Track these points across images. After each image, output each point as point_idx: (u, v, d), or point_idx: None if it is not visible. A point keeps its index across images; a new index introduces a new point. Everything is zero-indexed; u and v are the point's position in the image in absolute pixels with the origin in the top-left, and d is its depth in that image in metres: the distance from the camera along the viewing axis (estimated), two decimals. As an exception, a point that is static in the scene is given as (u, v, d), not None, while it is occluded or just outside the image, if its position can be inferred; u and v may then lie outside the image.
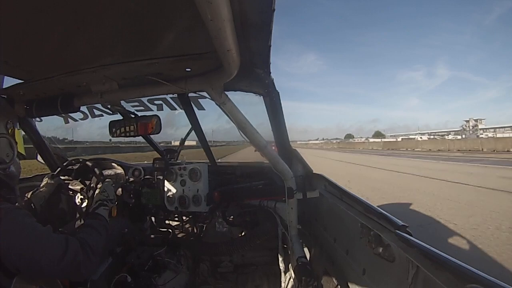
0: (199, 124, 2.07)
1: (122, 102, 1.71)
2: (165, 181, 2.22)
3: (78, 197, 1.94)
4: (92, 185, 1.87)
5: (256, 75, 1.44)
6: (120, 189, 2.18)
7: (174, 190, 2.18)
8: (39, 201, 1.63)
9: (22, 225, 1.04)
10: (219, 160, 2.70)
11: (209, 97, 1.43)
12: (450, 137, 68.09)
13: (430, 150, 32.93)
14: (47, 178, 1.82)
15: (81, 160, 2.15)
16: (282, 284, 1.97)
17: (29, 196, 1.63)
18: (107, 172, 2.37)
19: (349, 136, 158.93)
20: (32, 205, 1.59)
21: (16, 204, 1.32)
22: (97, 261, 1.22)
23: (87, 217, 1.48)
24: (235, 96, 1.48)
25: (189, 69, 1.32)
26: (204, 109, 1.75)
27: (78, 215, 1.92)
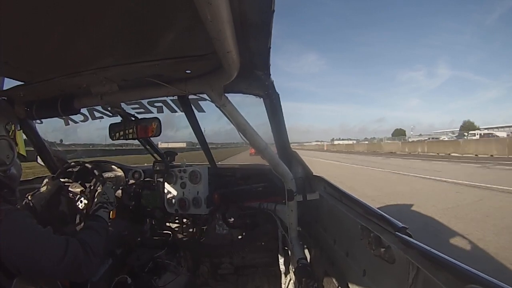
0: (199, 126, 2.08)
1: (123, 105, 1.71)
2: (165, 183, 2.22)
3: (78, 199, 1.94)
4: (92, 187, 1.87)
5: (256, 77, 1.44)
6: (120, 191, 2.18)
7: (174, 193, 2.18)
8: (39, 201, 1.63)
9: (23, 226, 1.05)
10: (219, 163, 2.70)
11: (209, 99, 1.43)
12: None
13: None
14: (47, 180, 1.82)
15: (81, 162, 2.15)
16: (283, 286, 1.96)
17: (29, 198, 1.63)
18: (107, 174, 2.37)
19: (400, 132, 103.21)
20: (32, 206, 1.59)
21: (17, 205, 1.33)
22: (97, 262, 1.23)
23: (87, 219, 1.48)
24: (234, 98, 1.49)
25: (189, 71, 1.32)
26: (204, 111, 1.75)
27: (78, 217, 1.92)
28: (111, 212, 1.63)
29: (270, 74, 1.42)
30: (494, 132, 50.87)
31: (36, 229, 1.07)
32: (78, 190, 1.97)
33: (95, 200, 1.60)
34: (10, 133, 1.22)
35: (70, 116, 1.86)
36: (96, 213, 1.47)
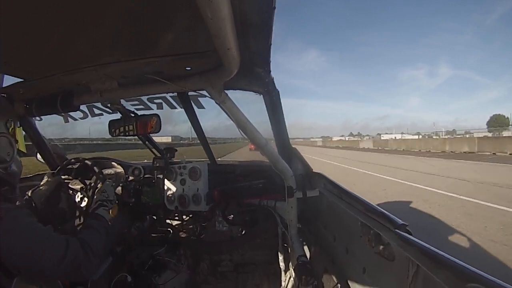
0: (199, 122, 2.07)
1: (122, 101, 1.71)
2: (165, 180, 2.22)
3: (78, 196, 1.94)
4: (92, 184, 1.87)
5: (256, 74, 1.44)
6: (120, 188, 2.18)
7: (174, 189, 2.18)
8: (39, 198, 1.63)
9: (23, 224, 1.05)
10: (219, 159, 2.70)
11: (209, 96, 1.43)
12: None
13: None
14: (47, 177, 1.82)
15: (81, 159, 2.15)
16: (282, 283, 1.97)
17: (29, 194, 1.63)
18: (107, 171, 2.37)
19: (500, 119, 69.03)
20: (32, 203, 1.59)
21: (17, 203, 1.33)
22: (97, 262, 1.23)
23: (87, 218, 1.48)
24: (234, 94, 1.48)
25: (189, 68, 1.32)
26: (204, 108, 1.75)
27: (78, 215, 1.92)
28: (113, 209, 1.63)
29: (270, 71, 1.42)
30: None
31: (36, 228, 1.07)
32: (78, 187, 1.97)
33: (95, 198, 1.60)
34: (10, 130, 1.21)
35: (70, 113, 1.86)
36: (96, 212, 1.47)
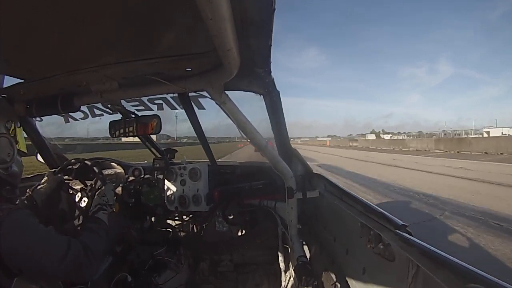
0: (199, 123, 2.07)
1: (123, 102, 1.71)
2: (165, 180, 2.22)
3: (78, 196, 1.94)
4: (92, 185, 1.87)
5: (256, 74, 1.44)
6: (120, 189, 2.18)
7: (174, 190, 2.18)
8: (40, 196, 1.63)
9: (24, 225, 1.05)
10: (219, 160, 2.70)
11: (209, 97, 1.43)
12: None
13: None
14: (47, 176, 1.82)
15: (81, 159, 2.14)
16: (282, 283, 1.97)
17: (30, 192, 1.63)
18: (107, 171, 2.37)
19: None
20: (33, 201, 1.59)
21: (17, 202, 1.33)
22: (97, 264, 1.23)
23: (87, 221, 1.48)
24: (234, 94, 1.48)
25: (189, 69, 1.32)
26: (204, 108, 1.75)
27: (77, 215, 1.92)
28: (115, 206, 1.64)
29: (270, 72, 1.42)
30: None
31: (38, 229, 1.08)
32: (78, 187, 1.97)
33: (94, 201, 1.59)
34: (10, 131, 1.21)
35: (70, 114, 1.86)
36: (95, 215, 1.47)
